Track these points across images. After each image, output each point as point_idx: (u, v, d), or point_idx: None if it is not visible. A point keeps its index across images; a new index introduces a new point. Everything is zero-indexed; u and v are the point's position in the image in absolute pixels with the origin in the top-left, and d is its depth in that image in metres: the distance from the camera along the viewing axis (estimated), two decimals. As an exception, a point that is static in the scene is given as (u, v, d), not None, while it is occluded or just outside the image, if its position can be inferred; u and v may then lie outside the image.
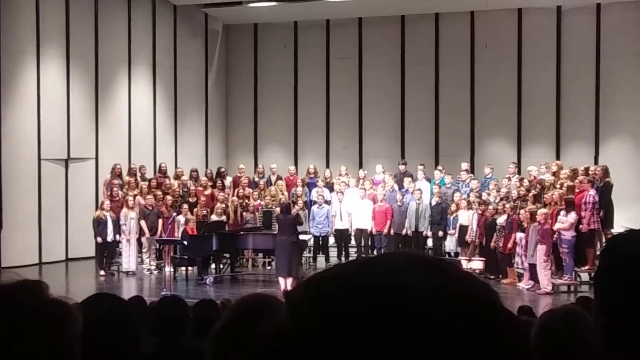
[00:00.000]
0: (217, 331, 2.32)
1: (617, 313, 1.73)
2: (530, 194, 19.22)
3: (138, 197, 21.41)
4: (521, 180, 20.58)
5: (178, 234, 20.21)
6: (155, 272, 21.04)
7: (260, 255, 22.02)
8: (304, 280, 1.10)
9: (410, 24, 25.94)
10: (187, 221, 20.39)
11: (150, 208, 21.15)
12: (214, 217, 21.11)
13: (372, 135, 26.27)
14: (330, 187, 22.55)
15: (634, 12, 23.75)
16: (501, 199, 19.78)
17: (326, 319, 1.01)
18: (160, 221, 21.05)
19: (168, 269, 19.49)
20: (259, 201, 22.18)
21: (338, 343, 1.00)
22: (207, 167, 25.38)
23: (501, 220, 18.94)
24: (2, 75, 21.70)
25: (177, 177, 23.03)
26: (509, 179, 21.20)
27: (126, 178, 22.19)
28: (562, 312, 3.54)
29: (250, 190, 22.62)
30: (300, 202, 21.58)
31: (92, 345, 2.81)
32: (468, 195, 20.71)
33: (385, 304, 1.00)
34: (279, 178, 23.40)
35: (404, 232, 20.93)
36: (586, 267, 18.11)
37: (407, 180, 21.95)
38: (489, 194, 20.38)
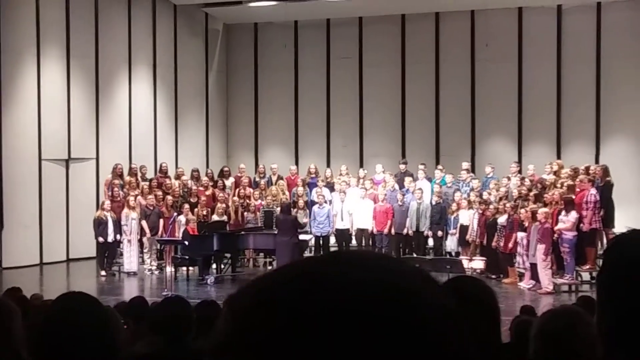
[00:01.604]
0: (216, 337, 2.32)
1: (619, 313, 1.73)
2: (532, 194, 19.22)
3: (139, 197, 21.40)
4: (522, 179, 20.59)
5: (179, 234, 20.21)
6: (156, 272, 21.03)
7: (262, 255, 22.04)
8: (246, 284, 1.05)
9: (410, 23, 25.93)
10: (188, 221, 20.38)
11: (151, 208, 21.14)
12: (215, 217, 21.11)
13: (372, 134, 26.27)
14: (330, 186, 22.53)
15: (635, 11, 23.73)
16: (501, 199, 19.77)
17: (269, 321, 0.98)
18: (161, 221, 21.04)
19: (169, 269, 19.49)
20: (260, 201, 22.18)
21: (281, 346, 0.96)
22: (207, 166, 25.37)
23: (502, 219, 18.94)
24: (3, 76, 21.71)
25: (178, 177, 23.02)
26: (509, 178, 21.20)
27: (127, 178, 22.18)
28: (561, 312, 3.54)
29: (251, 190, 22.61)
30: (301, 202, 21.57)
31: (60, 343, 2.85)
32: (468, 195, 20.71)
33: (327, 304, 0.97)
34: (279, 178, 23.38)
35: (404, 231, 20.92)
36: (587, 267, 18.12)
37: (407, 179, 21.93)
38: (489, 194, 20.37)
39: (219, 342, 1.01)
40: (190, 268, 20.14)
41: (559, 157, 23.23)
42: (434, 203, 20.89)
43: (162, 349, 4.90)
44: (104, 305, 3.20)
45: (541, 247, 17.54)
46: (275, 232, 19.65)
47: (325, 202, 21.61)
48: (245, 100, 27.78)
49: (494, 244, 19.12)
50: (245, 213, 21.81)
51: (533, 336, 3.35)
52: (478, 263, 19.75)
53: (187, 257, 19.66)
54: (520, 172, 21.99)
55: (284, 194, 22.22)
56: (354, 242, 21.91)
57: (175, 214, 20.87)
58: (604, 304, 1.79)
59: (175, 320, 5.04)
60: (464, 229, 20.25)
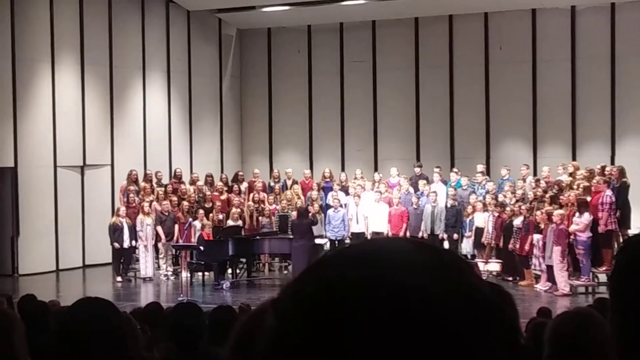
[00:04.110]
0: (232, 337, 2.32)
1: (632, 314, 1.71)
2: (547, 195, 19.16)
3: (154, 203, 21.45)
4: (537, 181, 20.53)
5: (194, 240, 20.23)
6: (172, 277, 21.06)
7: (277, 259, 22.03)
8: (289, 283, 1.05)
9: (424, 26, 25.91)
10: (203, 226, 20.41)
11: (167, 214, 21.17)
12: (230, 222, 21.12)
13: (387, 137, 26.24)
14: (345, 190, 22.51)
15: (649, 11, 23.67)
16: (517, 201, 19.72)
17: (312, 324, 0.98)
18: (176, 227, 21.08)
19: (185, 275, 19.50)
20: (274, 205, 22.18)
21: (327, 349, 0.96)
22: (222, 172, 25.40)
23: (517, 221, 18.89)
24: (18, 83, 21.81)
25: (193, 182, 23.06)
26: (524, 180, 21.16)
27: (142, 184, 22.22)
28: (574, 314, 3.52)
29: (265, 195, 22.61)
30: (316, 206, 21.55)
31: (75, 347, 2.86)
32: (484, 198, 20.67)
33: (383, 305, 0.97)
34: (294, 182, 23.38)
35: (419, 235, 20.88)
36: (604, 268, 18.02)
37: (422, 182, 21.89)
38: (505, 196, 20.32)
39: (264, 342, 1.02)
40: (206, 273, 20.17)
41: (574, 159, 23.15)
42: (449, 206, 20.86)
43: (175, 354, 4.90)
44: (121, 311, 3.20)
45: (557, 249, 17.47)
46: (291, 237, 19.65)
47: (341, 205, 21.59)
48: (259, 105, 27.82)
49: (510, 246, 19.07)
50: (260, 218, 21.81)
51: (546, 338, 3.33)
52: (494, 265, 19.70)
53: (202, 262, 19.68)
54: (535, 173, 21.93)
55: (299, 198, 22.22)
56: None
57: (190, 219, 20.90)
58: (616, 305, 1.77)
59: (187, 327, 5.04)
60: (479, 232, 20.21)
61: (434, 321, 0.96)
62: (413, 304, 0.97)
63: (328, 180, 23.22)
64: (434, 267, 1.01)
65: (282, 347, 1.00)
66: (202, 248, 19.46)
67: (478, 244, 20.27)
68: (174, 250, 21.23)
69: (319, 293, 1.00)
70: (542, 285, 18.20)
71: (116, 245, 20.79)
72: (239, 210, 21.45)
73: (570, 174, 20.40)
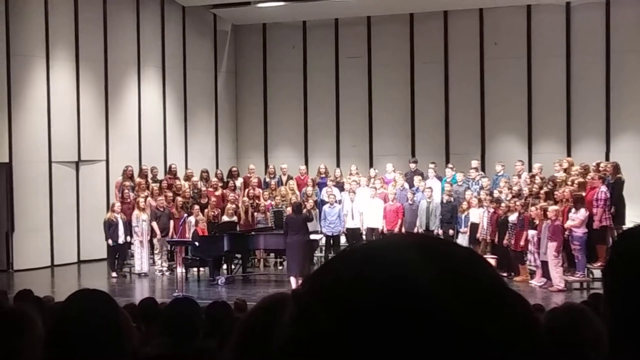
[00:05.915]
0: (236, 333, 2.32)
1: (626, 306, 1.72)
2: (542, 191, 19.18)
3: (149, 199, 21.43)
4: (532, 177, 20.56)
5: (189, 235, 20.23)
6: (167, 273, 21.06)
7: (272, 255, 22.04)
8: (309, 277, 1.08)
9: (419, 22, 25.91)
10: (197, 222, 20.40)
11: (162, 209, 21.17)
12: (225, 218, 21.12)
13: (382, 133, 26.25)
14: (340, 186, 22.51)
15: (644, 7, 23.70)
16: (513, 197, 19.74)
17: (336, 317, 1.00)
18: (171, 222, 21.07)
19: (180, 270, 19.51)
20: (269, 201, 22.18)
21: (348, 341, 0.99)
22: (217, 167, 25.37)
23: (513, 217, 18.91)
24: (13, 79, 21.78)
25: (188, 178, 23.03)
26: (519, 176, 21.19)
27: (137, 180, 22.22)
28: (566, 310, 3.52)
29: (260, 191, 22.62)
30: (310, 202, 21.55)
31: (68, 338, 2.86)
32: (479, 193, 20.69)
33: (395, 300, 0.99)
34: (289, 178, 23.37)
35: (415, 230, 20.88)
36: (598, 264, 18.05)
37: (417, 178, 21.92)
38: (500, 192, 20.35)
39: (286, 334, 1.04)
40: (201, 269, 20.17)
41: (569, 154, 23.21)
42: (444, 201, 20.89)
43: (170, 350, 4.90)
44: (112, 302, 3.20)
45: (552, 245, 17.50)
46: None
47: (336, 201, 21.60)
48: (255, 100, 27.80)
49: (505, 242, 19.10)
50: (255, 213, 21.81)
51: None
52: (489, 261, 19.69)
53: (197, 258, 19.69)
54: (530, 170, 21.98)
55: (294, 193, 22.20)
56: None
57: (185, 215, 20.89)
58: (609, 298, 1.78)
59: (183, 321, 5.04)
60: (474, 227, 20.23)
61: (442, 319, 0.99)
62: (424, 304, 0.99)
63: (323, 176, 23.22)
64: (447, 263, 1.04)
65: (301, 337, 1.02)
66: (197, 244, 19.47)
67: (473, 240, 20.27)
68: (169, 246, 21.23)
69: (338, 290, 1.03)
70: (537, 281, 18.23)
71: (110, 241, 20.78)
72: (234, 206, 21.43)
73: (565, 170, 20.43)
